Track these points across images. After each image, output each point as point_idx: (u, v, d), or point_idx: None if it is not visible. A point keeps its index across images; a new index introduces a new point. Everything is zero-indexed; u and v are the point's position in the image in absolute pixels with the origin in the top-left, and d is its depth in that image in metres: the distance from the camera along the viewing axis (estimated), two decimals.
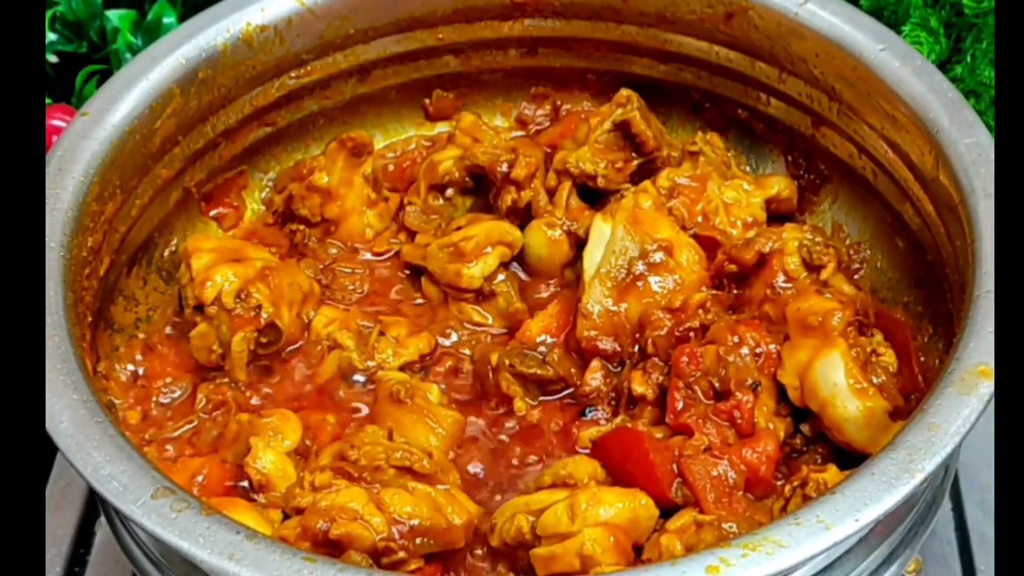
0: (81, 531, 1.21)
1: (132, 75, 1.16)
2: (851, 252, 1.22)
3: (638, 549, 0.99)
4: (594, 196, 1.25)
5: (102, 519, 1.08)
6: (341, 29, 1.27)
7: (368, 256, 1.28)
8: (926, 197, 1.11)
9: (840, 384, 1.04)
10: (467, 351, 1.19)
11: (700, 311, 1.14)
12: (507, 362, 1.14)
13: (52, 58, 1.53)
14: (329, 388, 1.16)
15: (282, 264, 1.20)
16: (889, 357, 1.08)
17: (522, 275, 1.23)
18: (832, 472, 1.00)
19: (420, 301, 1.24)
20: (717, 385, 1.07)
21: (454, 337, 1.20)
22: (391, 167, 1.33)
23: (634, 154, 1.26)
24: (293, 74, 1.27)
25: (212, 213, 1.28)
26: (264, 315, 1.15)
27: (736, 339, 1.09)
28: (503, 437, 1.12)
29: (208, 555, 0.83)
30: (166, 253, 1.23)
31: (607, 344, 1.14)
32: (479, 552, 1.02)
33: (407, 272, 1.26)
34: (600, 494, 0.98)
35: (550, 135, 1.33)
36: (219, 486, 1.06)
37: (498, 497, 1.07)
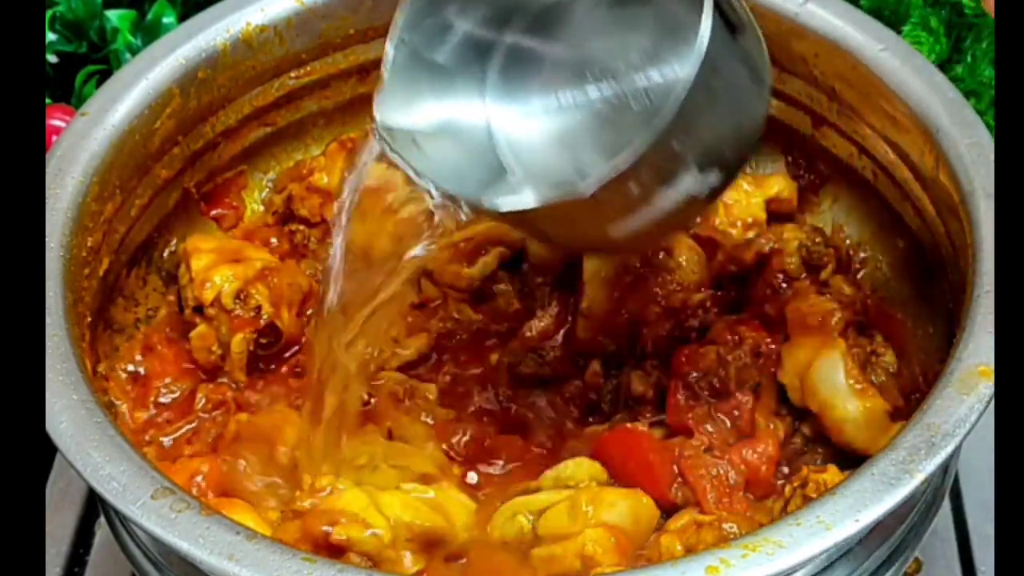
0: (81, 531, 1.21)
1: (132, 75, 1.16)
2: (851, 252, 1.22)
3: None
4: None
5: (102, 519, 1.08)
6: (341, 29, 1.27)
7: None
8: (926, 197, 1.11)
9: (840, 384, 1.04)
10: (466, 351, 1.19)
11: (700, 311, 1.14)
12: (507, 362, 1.14)
13: (52, 58, 1.53)
14: None
15: (282, 264, 1.20)
16: (889, 357, 1.08)
17: (522, 275, 1.23)
18: (832, 472, 1.00)
19: (419, 301, 1.24)
20: (717, 385, 1.07)
21: (454, 338, 1.20)
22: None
23: None
24: (293, 74, 1.27)
25: (212, 213, 1.28)
26: (264, 316, 1.15)
27: (736, 339, 1.09)
28: (504, 437, 1.12)
29: (208, 555, 0.83)
30: (166, 253, 1.23)
31: (607, 344, 1.14)
32: (479, 553, 1.02)
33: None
34: (601, 494, 0.98)
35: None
36: (218, 486, 1.06)
37: (499, 497, 1.07)
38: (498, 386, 1.14)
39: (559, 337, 1.17)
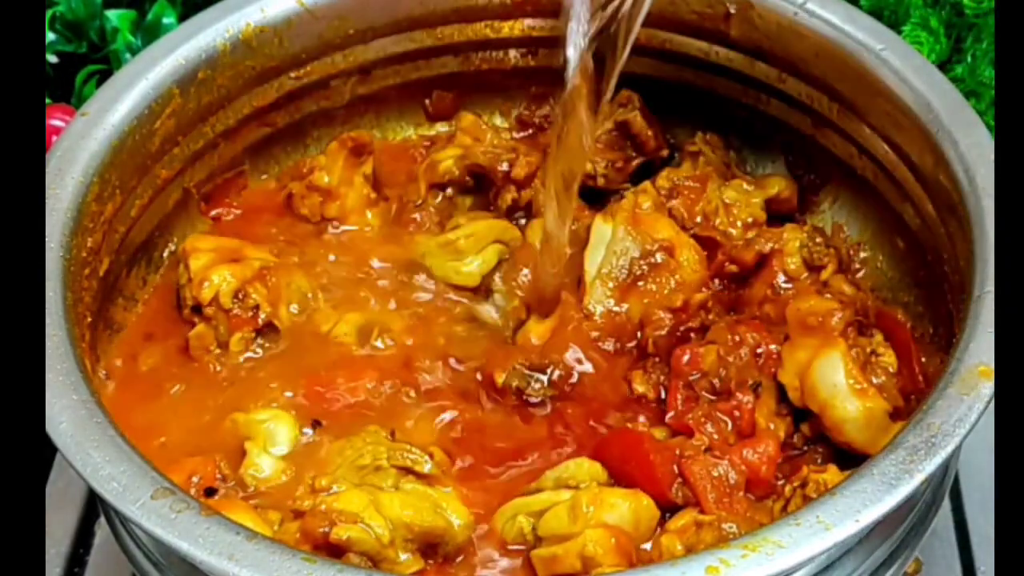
0: (81, 531, 1.21)
1: (132, 75, 1.16)
2: (851, 252, 1.22)
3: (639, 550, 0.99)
4: (594, 196, 1.25)
5: (102, 519, 1.08)
6: (341, 29, 1.27)
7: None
8: (926, 197, 1.11)
9: (840, 384, 1.04)
10: (466, 350, 1.19)
11: (701, 311, 1.14)
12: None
13: (52, 58, 1.53)
14: None
15: (280, 264, 1.20)
16: (889, 357, 1.08)
17: (522, 274, 1.23)
18: (832, 472, 1.00)
19: (419, 300, 1.24)
20: (717, 385, 1.07)
21: (454, 335, 1.20)
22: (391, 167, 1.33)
23: (634, 154, 1.26)
24: (293, 74, 1.27)
25: (212, 213, 1.28)
26: (262, 315, 1.15)
27: (736, 339, 1.09)
28: (504, 437, 1.12)
29: (208, 555, 0.83)
30: (166, 253, 1.23)
31: (608, 345, 1.14)
32: (479, 553, 1.02)
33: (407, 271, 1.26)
34: (602, 495, 0.98)
35: (550, 135, 1.33)
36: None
37: (499, 498, 1.07)
38: (499, 386, 1.14)
39: (558, 337, 1.17)
